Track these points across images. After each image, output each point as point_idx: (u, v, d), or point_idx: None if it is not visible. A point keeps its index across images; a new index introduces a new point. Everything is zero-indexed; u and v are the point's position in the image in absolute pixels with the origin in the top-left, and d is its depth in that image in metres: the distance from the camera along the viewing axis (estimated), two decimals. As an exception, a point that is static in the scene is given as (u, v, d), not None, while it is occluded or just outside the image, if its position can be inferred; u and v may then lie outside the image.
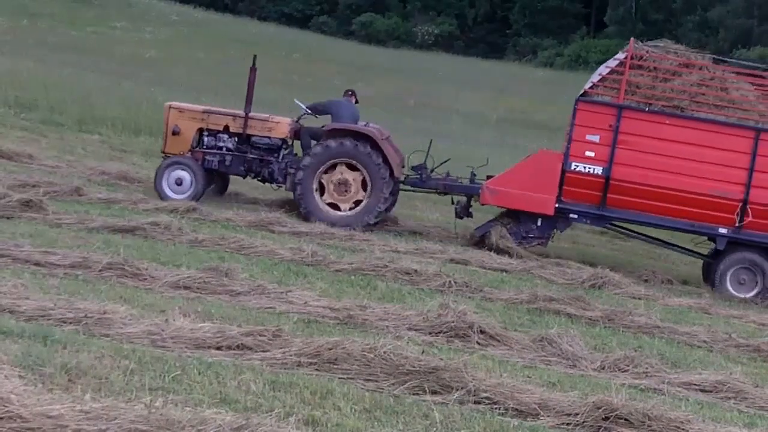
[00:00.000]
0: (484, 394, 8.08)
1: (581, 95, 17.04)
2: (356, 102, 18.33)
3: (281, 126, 17.70)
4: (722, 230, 16.66)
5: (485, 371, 8.84)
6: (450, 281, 12.98)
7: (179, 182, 17.23)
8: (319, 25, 79.40)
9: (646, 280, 16.20)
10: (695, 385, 9.65)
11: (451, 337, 10.13)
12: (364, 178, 17.19)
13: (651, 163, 16.60)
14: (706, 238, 17.52)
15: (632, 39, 17.22)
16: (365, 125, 17.61)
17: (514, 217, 17.26)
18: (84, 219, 13.91)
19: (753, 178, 16.44)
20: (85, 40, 48.45)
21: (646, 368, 9.90)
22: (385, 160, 17.13)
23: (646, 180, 16.62)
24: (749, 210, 16.49)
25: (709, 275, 17.15)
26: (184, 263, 12.02)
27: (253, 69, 17.68)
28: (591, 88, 17.22)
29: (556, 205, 16.89)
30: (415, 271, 13.23)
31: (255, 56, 17.95)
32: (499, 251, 16.56)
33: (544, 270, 15.34)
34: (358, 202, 17.27)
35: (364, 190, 17.26)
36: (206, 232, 14.32)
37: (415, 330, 10.23)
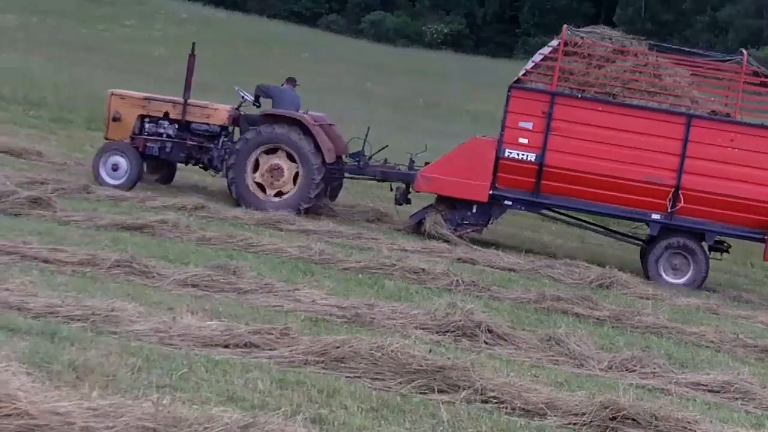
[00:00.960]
0: (492, 394, 8.07)
1: (515, 82, 17.14)
2: (296, 86, 18.51)
3: (220, 113, 17.92)
4: (655, 216, 16.81)
5: (492, 370, 8.83)
6: (458, 280, 12.98)
7: (115, 168, 17.42)
8: (328, 23, 79.39)
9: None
10: (703, 385, 9.64)
11: (458, 336, 10.12)
12: (297, 169, 17.33)
13: (584, 149, 16.72)
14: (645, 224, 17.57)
15: (565, 26, 17.35)
16: (304, 113, 17.75)
17: (449, 203, 17.34)
18: (92, 216, 13.93)
19: (685, 164, 16.58)
20: (95, 38, 48.53)
21: (654, 368, 9.88)
22: (317, 146, 17.23)
23: (579, 166, 16.75)
24: (681, 196, 16.62)
25: (644, 261, 17.18)
26: (191, 261, 12.03)
27: (191, 56, 18.12)
28: (524, 75, 17.32)
29: (490, 192, 16.98)
30: (423, 269, 13.23)
31: (194, 43, 18.42)
32: (431, 237, 16.66)
33: (551, 269, 15.33)
34: (282, 193, 17.39)
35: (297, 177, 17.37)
36: (214, 230, 14.33)
37: (423, 329, 10.22)
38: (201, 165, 18.11)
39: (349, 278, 12.66)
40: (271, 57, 50.00)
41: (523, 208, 17.46)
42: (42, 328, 8.28)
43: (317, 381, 7.96)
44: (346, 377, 8.18)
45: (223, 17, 67.04)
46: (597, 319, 12.28)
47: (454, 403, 7.91)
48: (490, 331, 10.21)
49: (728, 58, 17.71)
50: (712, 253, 17.63)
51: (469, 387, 8.09)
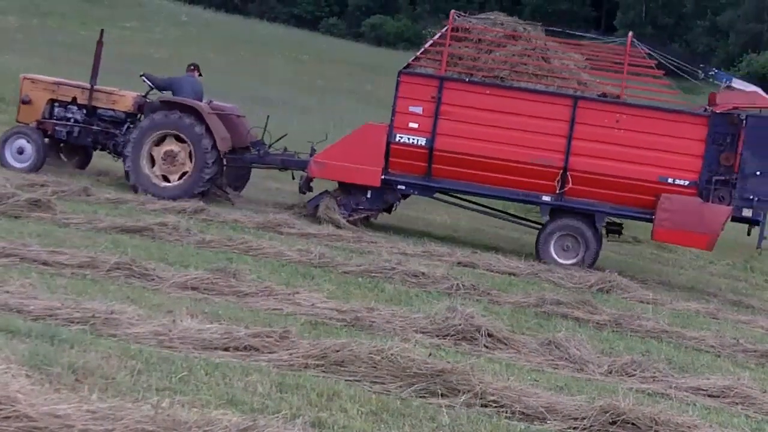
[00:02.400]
0: (491, 398, 8.06)
1: (404, 68, 17.32)
2: (200, 75, 18.66)
3: (126, 99, 18.15)
4: (545, 198, 16.95)
5: (492, 374, 8.83)
6: (457, 284, 12.97)
7: (20, 151, 17.70)
8: (328, 26, 79.47)
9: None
10: (702, 390, 9.63)
11: (458, 340, 10.11)
12: (191, 150, 17.47)
13: (473, 133, 16.91)
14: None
15: (453, 11, 17.49)
16: (209, 102, 17.98)
17: (345, 189, 17.48)
18: (92, 219, 13.93)
19: (572, 145, 16.73)
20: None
21: (654, 373, 9.88)
22: (209, 133, 17.37)
23: (468, 150, 16.90)
24: (569, 177, 16.76)
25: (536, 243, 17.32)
26: (191, 264, 12.02)
27: (99, 43, 18.44)
28: (414, 60, 17.54)
29: (383, 177, 17.11)
30: (423, 273, 13.23)
31: (102, 30, 18.77)
32: (323, 222, 16.78)
33: (551, 273, 15.34)
34: (176, 179, 17.55)
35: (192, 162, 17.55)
36: (214, 233, 14.33)
37: (423, 332, 10.21)
38: (108, 150, 18.38)
39: (349, 282, 12.65)
40: (272, 59, 50.07)
41: (416, 192, 17.57)
42: (42, 330, 8.27)
43: (317, 384, 7.95)
44: (346, 381, 8.17)
45: (224, 20, 67.07)
46: (597, 323, 12.27)
47: (453, 406, 7.90)
48: (489, 335, 10.20)
49: (615, 41, 18.07)
50: (609, 235, 17.98)
51: (468, 391, 8.08)
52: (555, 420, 7.91)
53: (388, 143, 17.06)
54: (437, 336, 10.17)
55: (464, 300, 12.20)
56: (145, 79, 18.32)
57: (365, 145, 17.15)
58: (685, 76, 17.79)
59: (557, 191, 16.83)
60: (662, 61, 17.62)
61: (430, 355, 8.83)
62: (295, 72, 46.25)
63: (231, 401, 7.29)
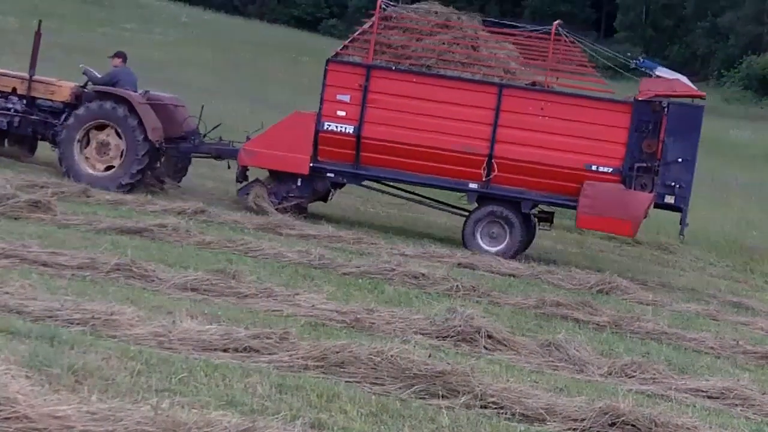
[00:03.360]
0: (491, 399, 8.06)
1: (332, 56, 17.44)
2: (124, 62, 19.00)
3: (63, 90, 18.28)
4: (472, 185, 17.05)
5: (492, 376, 8.83)
6: (457, 285, 12.97)
7: None
8: (328, 28, 79.49)
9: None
10: (702, 391, 9.62)
11: (458, 341, 10.11)
12: (123, 139, 17.62)
13: (400, 120, 17.01)
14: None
15: (380, 1, 17.52)
16: (144, 93, 18.18)
17: (276, 177, 17.59)
18: (92, 220, 13.93)
19: (497, 133, 16.84)
20: (95, 41, 48.53)
21: (654, 374, 9.87)
22: (140, 124, 17.50)
23: (395, 138, 17.01)
24: (495, 164, 16.83)
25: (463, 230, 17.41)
26: (191, 265, 12.02)
27: (37, 33, 18.44)
28: (343, 49, 17.68)
29: (311, 165, 17.22)
30: (423, 274, 13.22)
31: (40, 21, 18.82)
32: (252, 211, 16.91)
33: (551, 275, 15.33)
34: (109, 168, 17.69)
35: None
36: (214, 234, 14.33)
37: (423, 334, 10.21)
38: (48, 140, 18.52)
39: (349, 283, 12.65)
40: (271, 60, 50.05)
41: (345, 180, 17.65)
42: (41, 331, 8.27)
43: (317, 386, 7.95)
44: (346, 382, 8.17)
45: (224, 21, 67.08)
46: (597, 324, 12.27)
47: (453, 408, 7.90)
48: (489, 337, 10.20)
49: (541, 28, 18.14)
50: (541, 224, 18.12)
51: (468, 392, 8.08)
52: (555, 421, 7.91)
53: (317, 131, 17.19)
54: (437, 337, 10.16)
55: (464, 301, 12.20)
56: (85, 73, 18.52)
57: (294, 133, 17.27)
58: (614, 67, 17.88)
59: (483, 179, 16.94)
60: (589, 50, 17.99)
61: (429, 356, 8.83)
62: (294, 73, 46.26)
63: (231, 402, 7.29)
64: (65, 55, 38.84)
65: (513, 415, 7.96)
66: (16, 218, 13.43)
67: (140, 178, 17.75)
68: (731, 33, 77.18)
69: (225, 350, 8.54)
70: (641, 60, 18.13)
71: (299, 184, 17.47)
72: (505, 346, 10.19)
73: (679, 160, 16.50)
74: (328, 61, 17.33)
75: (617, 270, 16.60)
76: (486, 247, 16.83)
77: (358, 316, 10.49)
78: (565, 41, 17.56)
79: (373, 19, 17.45)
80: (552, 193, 16.93)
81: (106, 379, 7.30)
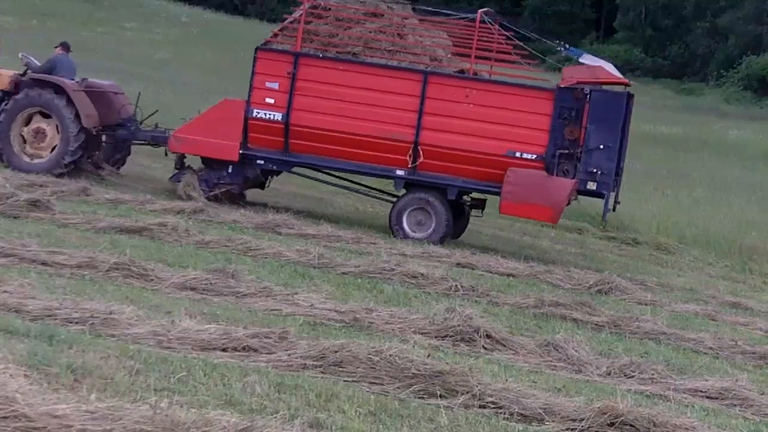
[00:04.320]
0: (490, 399, 8.07)
1: (261, 44, 17.61)
2: (69, 52, 18.98)
3: (3, 78, 18.30)
4: (399, 172, 17.17)
5: (491, 376, 8.84)
6: (456, 285, 12.97)
7: None
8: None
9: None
10: (701, 391, 9.63)
11: (456, 341, 10.11)
12: (58, 126, 17.74)
13: (327, 108, 17.15)
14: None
15: None
16: (81, 81, 18.25)
17: (208, 165, 17.70)
18: (91, 219, 13.94)
19: (422, 120, 16.95)
20: (96, 41, 48.53)
21: (652, 374, 9.88)
22: (74, 109, 17.65)
23: (323, 125, 17.16)
24: (420, 151, 16.93)
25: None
26: (190, 264, 12.03)
27: None
28: (272, 37, 17.89)
29: (241, 152, 17.32)
30: (422, 274, 13.23)
31: None
32: (182, 199, 17.00)
33: (550, 275, 15.32)
34: (52, 150, 17.84)
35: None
36: (213, 234, 14.33)
37: (421, 333, 10.22)
38: None
39: (348, 282, 12.65)
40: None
41: (274, 167, 17.76)
42: (40, 330, 8.28)
43: (315, 385, 7.96)
44: (345, 381, 8.17)
45: (224, 21, 67.06)
46: (595, 324, 12.27)
47: (452, 408, 7.91)
48: (488, 336, 10.21)
49: (468, 16, 18.27)
50: (473, 210, 18.27)
51: (467, 392, 8.08)
52: (553, 421, 7.92)
53: (246, 118, 17.29)
54: (436, 337, 10.17)
55: (463, 301, 12.20)
56: (24, 60, 18.64)
57: (223, 120, 17.38)
58: (539, 56, 18.01)
59: (410, 165, 17.03)
60: (516, 38, 18.09)
61: (428, 356, 8.84)
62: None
63: (229, 402, 7.29)
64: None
65: (511, 414, 7.97)
66: (15, 217, 13.44)
67: (76, 166, 17.92)
68: (731, 33, 77.12)
69: (224, 349, 8.54)
70: (567, 47, 18.26)
71: (230, 171, 17.56)
72: (504, 346, 10.20)
73: (601, 146, 16.65)
74: (257, 49, 17.50)
75: (616, 270, 16.60)
76: (412, 233, 16.98)
77: (357, 315, 10.50)
78: (492, 29, 17.73)
79: (303, 8, 17.63)
80: (477, 180, 17.09)
81: (105, 378, 7.31)
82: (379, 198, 18.73)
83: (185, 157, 17.99)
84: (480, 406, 8.00)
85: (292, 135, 17.22)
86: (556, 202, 16.56)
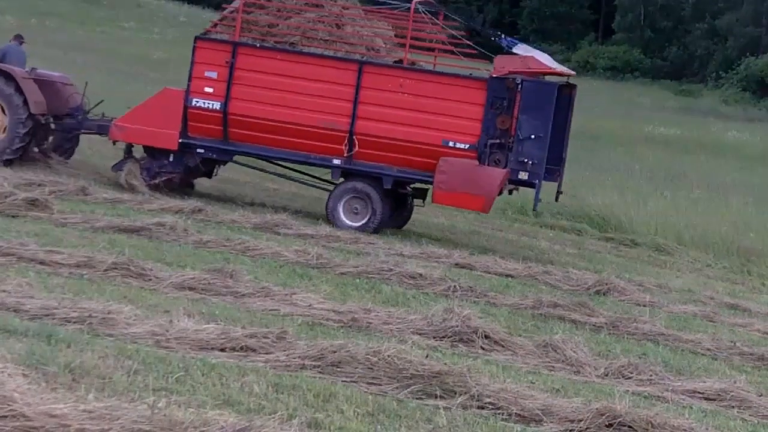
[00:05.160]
0: (488, 399, 8.07)
1: (201, 34, 17.82)
2: (22, 44, 19.31)
3: None
4: (336, 161, 17.28)
5: (489, 376, 8.83)
6: (455, 286, 12.96)
7: None
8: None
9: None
10: (699, 392, 9.63)
11: (455, 341, 10.11)
12: (5, 113, 17.91)
13: (265, 97, 17.26)
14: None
15: None
16: (31, 70, 18.46)
17: (150, 153, 17.80)
18: (89, 219, 13.93)
19: (358, 109, 17.08)
20: (94, 40, 48.54)
21: (650, 375, 9.87)
22: (22, 96, 17.78)
23: (261, 114, 17.26)
24: (356, 141, 17.06)
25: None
26: (188, 264, 12.02)
27: None
28: (212, 27, 18.04)
29: (180, 140, 17.42)
30: (420, 275, 13.22)
31: None
32: (125, 188, 17.11)
33: (549, 276, 15.31)
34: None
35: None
36: (211, 234, 14.33)
37: (420, 334, 10.22)
38: None
39: (346, 283, 12.64)
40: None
41: (214, 155, 17.80)
42: (38, 329, 8.27)
43: (313, 385, 7.95)
44: (343, 382, 8.17)
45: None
46: (593, 325, 12.27)
47: (450, 408, 7.90)
48: (486, 337, 10.20)
49: (401, 6, 18.38)
50: (415, 200, 18.40)
51: (465, 393, 8.08)
52: (551, 422, 7.92)
53: (185, 107, 17.38)
54: (434, 337, 10.17)
55: (461, 302, 12.18)
56: None
57: (163, 109, 17.47)
58: (476, 48, 18.09)
59: (346, 155, 17.13)
60: (451, 29, 18.26)
61: (427, 356, 8.83)
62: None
63: (227, 401, 7.29)
64: (64, 54, 38.86)
65: (510, 415, 7.97)
66: (13, 216, 13.44)
67: (23, 153, 18.03)
68: (730, 35, 77.19)
69: (222, 349, 8.54)
70: (504, 37, 18.41)
71: (171, 159, 17.63)
72: (502, 346, 10.20)
73: (532, 136, 16.75)
74: (196, 38, 17.64)
75: (614, 271, 16.59)
76: (348, 222, 17.05)
77: (355, 315, 10.49)
78: (426, 19, 17.88)
79: None
80: (412, 169, 17.15)
81: (103, 378, 7.31)
82: (318, 186, 18.75)
83: (133, 147, 18.08)
84: (478, 407, 8.00)
85: (231, 124, 17.32)
86: (488, 191, 16.71)
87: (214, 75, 17.30)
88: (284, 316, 10.31)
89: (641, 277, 17.10)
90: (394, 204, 18.06)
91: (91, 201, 15.69)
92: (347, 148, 17.06)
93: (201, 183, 19.83)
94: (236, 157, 17.99)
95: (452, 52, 17.88)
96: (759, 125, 54.54)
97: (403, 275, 13.19)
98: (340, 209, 17.15)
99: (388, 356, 8.35)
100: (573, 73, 18.73)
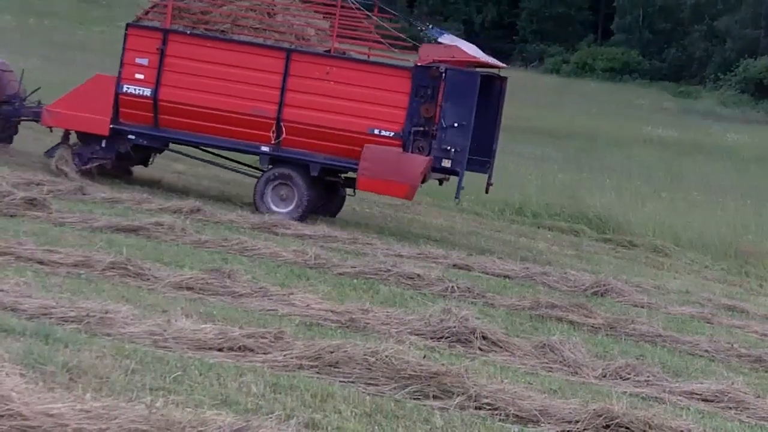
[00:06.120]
0: (485, 400, 8.07)
1: (133, 21, 18.06)
2: None
3: None
4: (264, 148, 17.40)
5: (486, 377, 8.84)
6: (452, 286, 12.96)
7: None
8: (326, 28, 79.42)
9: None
10: (696, 394, 9.63)
11: (452, 342, 10.11)
12: None
13: (195, 84, 17.40)
14: None
15: None
16: None
17: (82, 139, 17.93)
18: (87, 218, 13.92)
19: (285, 96, 17.23)
20: (92, 39, 48.52)
21: (648, 377, 9.88)
22: None
23: (191, 101, 17.39)
24: (283, 128, 17.20)
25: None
26: (186, 264, 12.02)
27: None
28: (144, 14, 18.25)
29: (112, 126, 17.54)
30: (418, 275, 13.22)
31: None
32: (54, 174, 17.14)
33: (546, 277, 15.30)
34: None
35: None
36: (209, 233, 14.33)
37: (417, 334, 10.22)
38: None
39: (344, 283, 12.64)
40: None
41: (146, 142, 17.89)
42: (36, 329, 8.27)
43: (311, 385, 7.96)
44: (340, 382, 8.17)
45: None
46: (591, 326, 12.27)
47: (447, 409, 7.91)
48: (484, 338, 10.21)
49: None
50: (346, 189, 18.51)
51: (463, 393, 8.09)
52: (549, 423, 7.92)
53: (117, 94, 17.49)
54: (432, 338, 10.17)
55: (459, 302, 12.18)
56: None
57: (95, 95, 17.57)
58: (408, 39, 18.23)
59: (273, 142, 17.26)
60: (379, 18, 18.53)
61: (424, 357, 8.84)
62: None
63: (225, 401, 7.29)
64: (61, 53, 38.86)
65: (507, 416, 7.97)
66: (11, 215, 13.43)
67: None
68: (728, 36, 77.23)
69: (220, 349, 8.55)
70: (431, 27, 18.55)
71: (103, 145, 17.74)
72: (500, 347, 10.20)
73: (455, 124, 16.88)
74: (127, 25, 17.83)
75: (612, 272, 16.59)
76: (275, 209, 17.14)
77: (353, 316, 10.50)
78: (352, 9, 18.13)
79: None
80: (339, 157, 17.25)
81: (101, 378, 7.31)
82: (248, 174, 18.80)
83: (70, 133, 18.16)
84: (476, 408, 8.01)
85: (161, 110, 17.41)
86: (411, 178, 16.81)
87: (145, 62, 17.44)
88: (282, 317, 10.32)
89: (639, 279, 17.10)
90: (325, 192, 18.30)
91: (89, 200, 15.68)
92: (275, 135, 17.21)
93: (199, 183, 19.84)
94: (172, 146, 18.18)
95: (380, 42, 18.06)
96: (757, 127, 54.61)
97: (401, 276, 13.19)
98: (268, 195, 17.27)
99: (386, 357, 8.35)
100: (503, 65, 18.95)
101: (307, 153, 17.25)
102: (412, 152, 16.89)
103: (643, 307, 14.31)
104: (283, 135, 17.16)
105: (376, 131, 16.98)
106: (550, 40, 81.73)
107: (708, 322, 14.15)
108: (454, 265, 15.19)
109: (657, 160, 36.38)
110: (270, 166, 17.42)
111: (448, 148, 16.86)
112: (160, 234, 13.61)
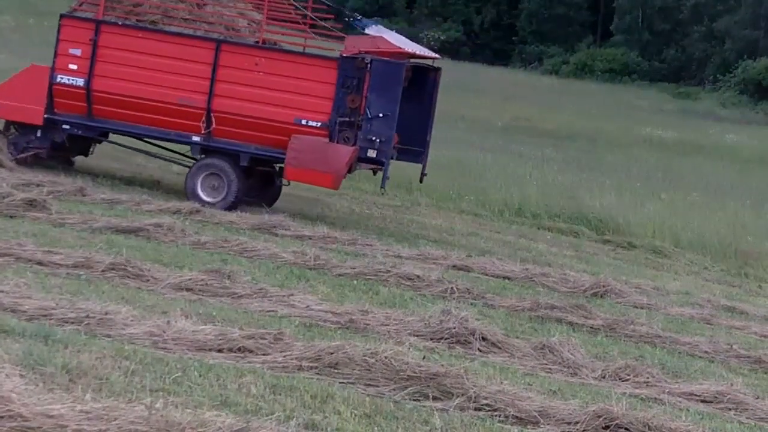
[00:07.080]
0: (485, 401, 8.08)
1: (67, 12, 18.21)
2: None
3: None
4: (196, 138, 17.54)
5: (486, 378, 8.84)
6: (452, 287, 12.96)
7: None
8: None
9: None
10: (696, 395, 9.64)
11: (452, 343, 10.12)
12: None
13: (127, 74, 17.57)
14: None
15: None
16: None
17: (20, 128, 18.05)
18: (87, 219, 13.93)
19: (215, 87, 17.38)
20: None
21: (647, 378, 9.88)
22: None
23: (123, 91, 17.56)
24: (213, 118, 17.33)
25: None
26: (186, 265, 12.03)
27: None
28: (78, 5, 18.40)
29: (46, 116, 17.68)
30: (418, 276, 13.22)
31: None
32: None
33: (546, 278, 15.30)
34: None
35: None
36: (209, 234, 14.33)
37: (417, 336, 10.22)
38: None
39: (344, 284, 12.65)
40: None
41: (80, 131, 18.00)
42: (36, 330, 8.28)
43: (311, 386, 7.96)
44: (340, 383, 8.18)
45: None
46: (591, 327, 12.28)
47: (447, 410, 7.92)
48: (484, 339, 10.22)
49: None
50: (281, 180, 18.42)
51: (462, 394, 8.09)
52: (548, 424, 7.93)
53: (51, 84, 17.65)
54: (431, 339, 10.18)
55: (458, 303, 12.19)
56: None
57: (29, 85, 17.73)
58: (329, 27, 18.31)
59: (203, 132, 17.37)
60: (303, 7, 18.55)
61: (424, 358, 8.85)
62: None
63: (224, 402, 7.30)
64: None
65: (506, 417, 7.98)
66: (11, 216, 13.44)
67: None
68: (728, 37, 77.20)
69: (219, 350, 8.55)
70: (359, 19, 18.70)
71: (38, 135, 17.85)
72: (500, 348, 10.21)
73: (380, 115, 16.99)
74: (61, 16, 18.01)
75: (611, 273, 16.59)
76: (206, 199, 17.21)
77: (353, 317, 10.50)
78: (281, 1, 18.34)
79: None
80: (268, 147, 17.36)
81: (100, 379, 7.31)
82: (180, 163, 18.86)
83: (12, 124, 18.19)
84: (475, 409, 8.02)
85: (94, 100, 17.56)
86: (336, 168, 16.93)
87: (78, 52, 17.60)
88: (282, 318, 10.32)
89: (638, 280, 17.10)
90: (260, 182, 18.43)
91: (89, 201, 15.68)
92: (205, 125, 17.31)
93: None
94: (111, 136, 18.33)
95: (305, 32, 18.25)
96: (756, 128, 54.59)
97: (401, 277, 13.19)
98: (198, 185, 17.35)
99: (386, 358, 8.36)
100: (436, 56, 19.14)
101: (237, 143, 17.40)
102: (338, 143, 17.04)
103: (642, 308, 14.31)
104: (213, 125, 17.30)
105: (303, 121, 17.12)
106: (549, 41, 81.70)
107: (707, 323, 14.15)
108: (454, 266, 15.19)
109: (656, 161, 36.35)
110: (202, 156, 17.54)
111: (374, 138, 16.97)
112: (159, 235, 13.62)
